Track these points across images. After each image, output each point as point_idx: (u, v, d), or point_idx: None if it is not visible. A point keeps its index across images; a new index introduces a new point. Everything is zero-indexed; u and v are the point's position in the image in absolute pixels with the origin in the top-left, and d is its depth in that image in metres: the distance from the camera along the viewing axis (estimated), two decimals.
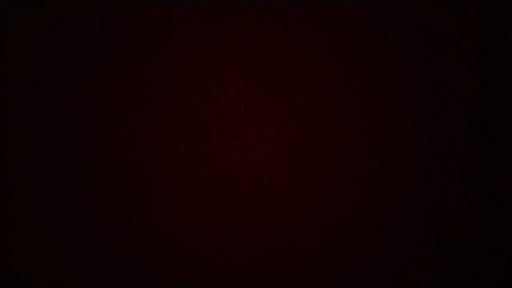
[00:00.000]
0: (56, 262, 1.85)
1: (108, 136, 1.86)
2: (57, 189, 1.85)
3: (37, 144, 1.86)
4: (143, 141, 1.86)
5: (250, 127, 1.87)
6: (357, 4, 1.87)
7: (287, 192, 1.85)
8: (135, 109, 1.87)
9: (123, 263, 1.85)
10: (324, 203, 1.85)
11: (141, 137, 1.86)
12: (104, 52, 1.87)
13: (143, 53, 1.87)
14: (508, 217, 1.84)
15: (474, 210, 1.85)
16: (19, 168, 1.85)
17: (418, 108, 1.86)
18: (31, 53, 1.87)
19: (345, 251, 1.85)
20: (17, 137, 1.86)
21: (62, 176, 1.85)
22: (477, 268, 1.85)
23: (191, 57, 1.88)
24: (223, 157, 1.86)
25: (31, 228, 1.85)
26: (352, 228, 1.85)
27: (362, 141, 1.86)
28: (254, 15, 1.88)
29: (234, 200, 1.86)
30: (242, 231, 1.85)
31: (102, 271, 1.85)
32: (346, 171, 1.85)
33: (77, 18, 1.87)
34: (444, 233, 1.85)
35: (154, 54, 1.87)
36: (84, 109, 1.86)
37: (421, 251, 1.84)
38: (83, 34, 1.87)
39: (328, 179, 1.85)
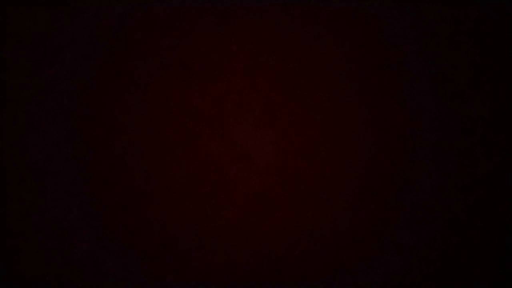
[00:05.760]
0: (56, 263, 1.85)
1: (108, 136, 1.86)
2: (56, 190, 1.85)
3: (37, 144, 1.86)
4: (144, 141, 1.86)
5: (250, 128, 1.87)
6: (358, 4, 1.87)
7: (287, 193, 1.86)
8: (136, 110, 1.87)
9: (122, 263, 1.85)
10: (324, 205, 1.85)
11: (142, 137, 1.86)
12: (103, 52, 1.87)
13: (143, 54, 1.87)
14: (508, 217, 1.84)
15: (474, 210, 1.85)
16: (19, 168, 1.86)
17: (419, 111, 1.86)
18: (31, 52, 1.87)
19: (345, 252, 1.85)
20: (16, 137, 1.86)
21: (62, 177, 1.86)
22: (477, 268, 1.85)
23: (192, 59, 1.88)
24: (223, 158, 1.86)
25: (31, 229, 1.85)
26: (352, 229, 1.85)
27: (362, 142, 1.86)
28: (255, 16, 1.88)
29: (233, 200, 1.86)
30: (242, 233, 1.85)
31: (102, 271, 1.85)
32: (346, 173, 1.86)
33: (76, 17, 1.87)
34: (444, 233, 1.85)
35: (155, 55, 1.88)
36: (84, 109, 1.87)
37: (422, 252, 1.85)
38: (82, 34, 1.87)
39: (328, 181, 1.86)
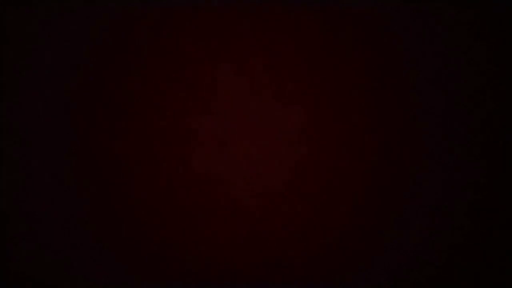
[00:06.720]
0: (55, 264, 1.85)
1: (109, 138, 1.86)
2: (55, 191, 1.85)
3: (36, 144, 1.86)
4: (143, 141, 1.86)
5: (250, 128, 1.87)
6: (361, 3, 1.87)
7: (290, 193, 1.85)
8: (135, 110, 1.87)
9: (121, 264, 1.85)
10: (327, 206, 1.85)
11: (143, 140, 1.86)
12: (102, 51, 1.87)
13: (142, 54, 1.87)
14: (508, 218, 1.84)
15: (476, 211, 1.85)
16: (18, 169, 1.86)
17: (424, 112, 1.86)
18: (30, 52, 1.87)
19: (347, 253, 1.85)
20: (15, 137, 1.86)
21: (61, 178, 1.85)
22: (477, 268, 1.85)
23: (190, 59, 1.88)
24: (223, 157, 1.86)
25: (30, 230, 1.85)
26: (353, 230, 1.85)
27: (365, 142, 1.86)
28: (254, 15, 1.88)
29: (235, 201, 1.86)
30: (244, 234, 1.85)
31: (100, 273, 1.85)
32: (349, 173, 1.85)
33: (76, 17, 1.87)
34: (446, 234, 1.85)
35: (154, 55, 1.88)
36: (84, 109, 1.86)
37: (424, 253, 1.84)
38: (81, 33, 1.87)
39: (331, 182, 1.85)
